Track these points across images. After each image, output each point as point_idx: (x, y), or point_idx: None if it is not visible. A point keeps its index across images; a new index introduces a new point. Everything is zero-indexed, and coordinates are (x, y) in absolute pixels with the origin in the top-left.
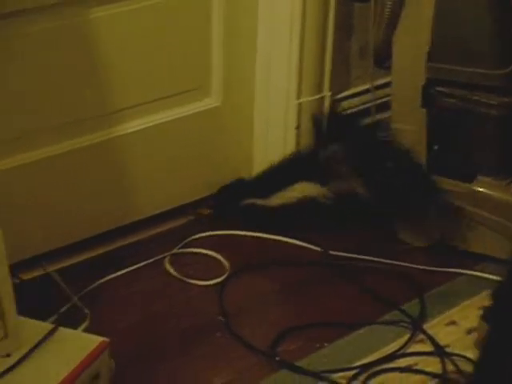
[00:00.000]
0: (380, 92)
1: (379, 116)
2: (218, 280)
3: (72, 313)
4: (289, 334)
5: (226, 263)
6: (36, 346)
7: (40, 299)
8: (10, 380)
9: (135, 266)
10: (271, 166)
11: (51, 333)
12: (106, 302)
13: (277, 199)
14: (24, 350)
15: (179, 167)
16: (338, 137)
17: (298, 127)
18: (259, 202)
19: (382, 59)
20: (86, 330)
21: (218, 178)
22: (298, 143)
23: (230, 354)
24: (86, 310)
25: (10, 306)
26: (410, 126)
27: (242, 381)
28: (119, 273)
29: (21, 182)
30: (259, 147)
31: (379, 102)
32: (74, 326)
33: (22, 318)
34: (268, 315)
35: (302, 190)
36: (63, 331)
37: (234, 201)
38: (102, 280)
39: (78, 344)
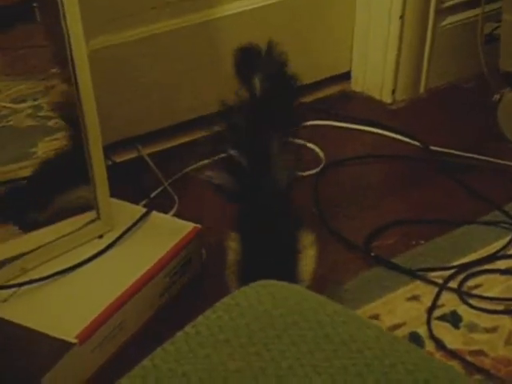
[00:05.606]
0: None
1: (488, 7)
2: (313, 171)
3: (162, 198)
4: (384, 229)
5: (321, 154)
6: (129, 229)
7: (131, 183)
8: (102, 262)
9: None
10: None
11: (144, 216)
12: (195, 190)
13: None
14: (117, 233)
15: None
16: None
17: (402, 17)
18: None
19: None
20: (174, 217)
21: (316, 70)
22: (401, 35)
23: (325, 247)
24: (176, 197)
25: (103, 187)
26: None
27: (336, 274)
28: (210, 160)
29: (120, 61)
30: (360, 38)
31: None
32: (163, 212)
33: (115, 200)
34: (363, 210)
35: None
36: (156, 215)
37: None
38: (193, 167)
39: (170, 228)
